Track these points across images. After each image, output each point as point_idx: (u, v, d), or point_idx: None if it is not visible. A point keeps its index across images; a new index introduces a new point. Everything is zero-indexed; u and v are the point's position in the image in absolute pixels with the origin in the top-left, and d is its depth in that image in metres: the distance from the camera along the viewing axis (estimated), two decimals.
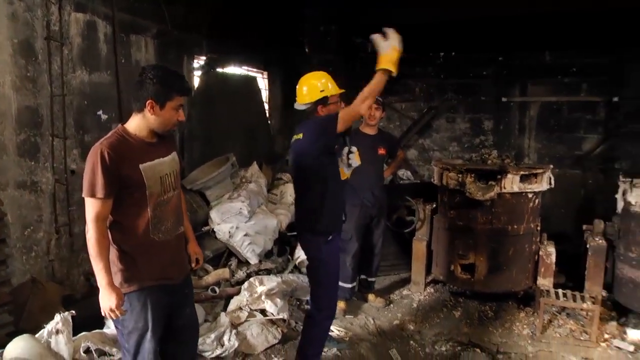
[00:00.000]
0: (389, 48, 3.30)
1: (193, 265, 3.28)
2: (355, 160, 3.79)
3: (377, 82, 3.33)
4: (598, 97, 7.24)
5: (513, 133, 7.65)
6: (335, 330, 4.67)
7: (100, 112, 4.74)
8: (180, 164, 3.07)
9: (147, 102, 2.66)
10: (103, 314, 2.67)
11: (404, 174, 7.34)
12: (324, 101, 3.67)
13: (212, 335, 4.01)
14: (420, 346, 4.65)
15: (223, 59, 6.70)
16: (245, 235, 5.30)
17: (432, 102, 7.90)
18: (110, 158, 2.56)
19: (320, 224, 3.65)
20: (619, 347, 4.48)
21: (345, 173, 3.82)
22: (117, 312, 2.62)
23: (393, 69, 3.28)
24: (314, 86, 3.69)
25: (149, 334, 2.79)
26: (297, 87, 3.80)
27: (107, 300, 2.60)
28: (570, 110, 7.41)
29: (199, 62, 6.40)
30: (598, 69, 7.17)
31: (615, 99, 7.11)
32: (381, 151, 5.08)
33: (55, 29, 4.14)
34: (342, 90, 3.80)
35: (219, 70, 6.69)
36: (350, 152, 3.76)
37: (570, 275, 5.53)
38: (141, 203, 2.72)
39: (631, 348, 4.44)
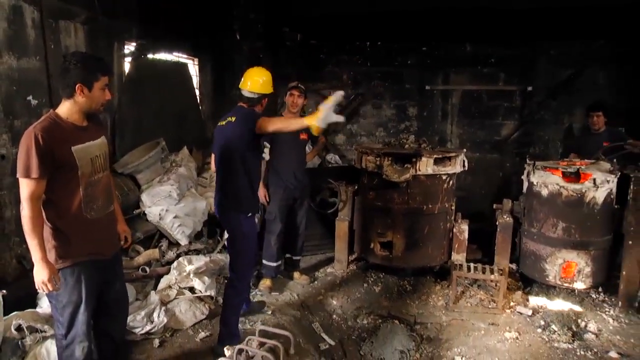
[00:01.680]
0: (324, 111, 3.39)
1: (122, 243, 3.49)
2: (266, 154, 4.35)
3: (295, 124, 3.76)
4: (514, 86, 7.75)
5: (436, 119, 8.06)
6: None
7: (30, 98, 4.73)
8: (109, 147, 3.28)
9: (77, 86, 2.85)
10: (37, 288, 2.83)
11: (332, 158, 7.62)
12: (268, 96, 4.15)
13: (142, 313, 4.17)
14: (343, 320, 4.97)
15: (153, 45, 6.75)
16: (175, 217, 5.45)
17: (359, 89, 8.19)
18: (43, 140, 2.73)
19: (243, 204, 4.03)
20: (520, 313, 4.94)
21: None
22: (50, 286, 2.79)
23: (314, 129, 3.50)
24: (269, 80, 4.12)
25: (82, 307, 2.99)
26: (247, 75, 4.15)
27: (40, 274, 2.77)
28: (489, 98, 7.89)
29: (129, 48, 6.45)
30: (514, 60, 7.67)
31: (530, 88, 7.64)
32: (303, 136, 5.33)
33: None
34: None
35: (150, 56, 6.76)
36: (264, 145, 4.25)
37: (487, 251, 5.92)
38: (73, 183, 2.91)
39: (530, 312, 4.93)
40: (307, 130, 5.31)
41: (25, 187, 2.76)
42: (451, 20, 7.28)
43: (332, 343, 4.57)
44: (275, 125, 3.78)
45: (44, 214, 2.86)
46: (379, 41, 8.03)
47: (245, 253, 4.11)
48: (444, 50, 7.89)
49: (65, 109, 2.93)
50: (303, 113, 5.52)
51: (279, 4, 7.23)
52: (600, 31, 7.00)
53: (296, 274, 5.60)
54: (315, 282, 5.65)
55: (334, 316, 5.00)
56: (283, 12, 7.43)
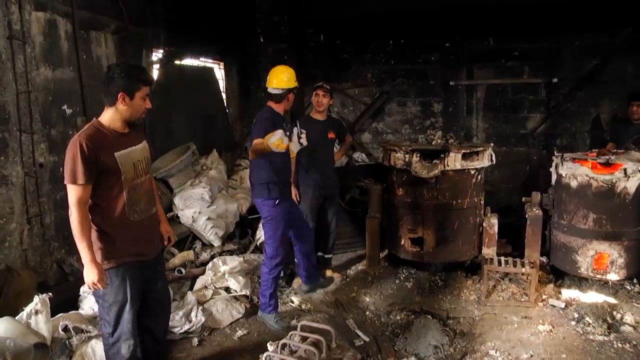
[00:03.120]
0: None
1: (165, 243, 3.63)
2: (304, 140, 4.40)
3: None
4: (539, 78, 7.72)
5: (461, 114, 8.06)
6: (295, 302, 5.02)
7: (64, 107, 4.92)
8: (150, 152, 3.43)
9: (119, 95, 3.00)
10: (88, 288, 3.01)
11: (359, 156, 7.67)
12: (293, 90, 4.50)
13: (180, 313, 4.30)
14: (376, 316, 5.01)
15: (180, 51, 6.91)
16: (208, 219, 5.57)
17: (383, 87, 8.23)
18: (88, 148, 2.89)
19: (270, 191, 4.49)
20: (553, 306, 4.95)
21: (293, 152, 4.54)
22: (99, 285, 2.94)
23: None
24: (292, 75, 4.46)
25: (127, 306, 3.14)
26: (272, 74, 4.52)
27: (90, 275, 2.93)
28: (514, 91, 7.88)
29: (158, 55, 6.60)
30: (538, 52, 7.66)
31: (555, 80, 7.60)
32: (330, 135, 5.42)
33: (17, 28, 4.29)
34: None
35: (177, 62, 6.90)
36: (300, 132, 4.41)
37: (516, 245, 5.93)
38: (117, 187, 3.06)
39: (563, 305, 4.93)
40: (334, 129, 5.47)
41: (73, 192, 2.90)
42: (474, 17, 7.26)
43: (367, 339, 4.61)
44: (251, 155, 4.41)
45: (90, 217, 2.99)
46: (402, 39, 8.07)
47: (268, 235, 4.59)
48: (467, 45, 7.90)
49: (107, 116, 3.09)
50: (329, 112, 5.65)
51: (301, 6, 7.29)
52: (626, 20, 6.92)
53: (328, 272, 5.67)
54: (347, 279, 5.71)
55: (367, 312, 5.05)
56: (305, 14, 7.48)
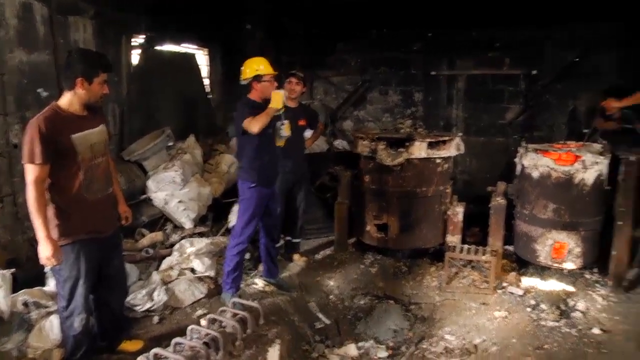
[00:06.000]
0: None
1: (123, 222, 3.83)
2: (284, 131, 4.73)
3: (267, 113, 4.48)
4: (519, 70, 7.79)
5: (442, 104, 8.15)
6: (259, 284, 5.15)
7: (40, 90, 5.01)
8: (109, 134, 3.64)
9: (77, 80, 3.17)
10: (41, 263, 3.15)
11: (340, 143, 7.78)
12: (257, 78, 4.58)
13: (143, 291, 4.45)
14: (339, 300, 5.15)
15: (162, 37, 6.98)
16: (180, 202, 5.70)
17: (365, 76, 8.32)
18: (47, 129, 3.05)
19: (247, 174, 4.66)
20: (512, 293, 5.08)
21: (278, 141, 4.80)
22: (53, 260, 3.10)
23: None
24: (250, 67, 4.59)
25: (81, 281, 3.31)
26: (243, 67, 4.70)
27: (45, 251, 3.09)
28: (494, 82, 7.94)
29: (138, 40, 6.69)
30: (519, 44, 7.70)
31: (534, 72, 7.68)
32: (301, 122, 5.53)
33: None
34: (274, 72, 4.62)
35: (158, 48, 6.99)
36: (281, 124, 4.70)
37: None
38: (74, 167, 3.23)
39: (521, 292, 5.07)
40: (305, 116, 5.59)
41: (31, 171, 3.06)
42: (455, 6, 7.33)
43: (328, 322, 4.75)
44: (257, 124, 4.41)
45: (48, 195, 3.16)
46: (385, 28, 8.13)
47: (239, 215, 4.74)
48: (449, 35, 7.95)
49: (66, 100, 3.25)
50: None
51: None
52: (606, 14, 6.95)
53: (296, 256, 5.80)
54: (314, 263, 5.83)
55: (331, 296, 5.17)
56: (289, 2, 7.56)
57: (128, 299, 4.26)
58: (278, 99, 4.43)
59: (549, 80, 7.66)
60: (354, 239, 6.23)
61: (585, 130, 6.58)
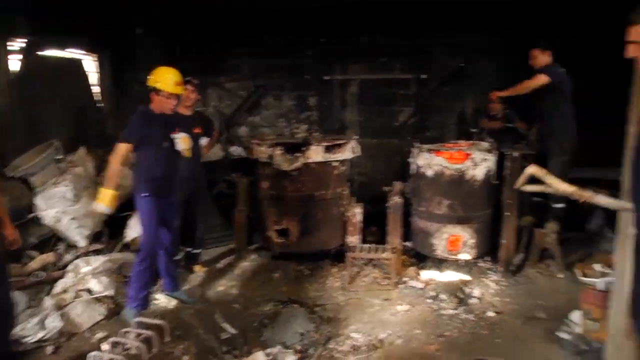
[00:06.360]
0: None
1: (10, 246, 3.56)
2: (180, 143, 4.61)
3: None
4: (409, 74, 8.06)
5: (336, 108, 8.26)
6: (161, 299, 4.97)
7: None
8: None
9: None
10: None
11: (235, 150, 7.68)
12: (155, 90, 4.45)
13: (34, 320, 4.12)
14: (244, 308, 5.05)
15: (45, 41, 6.58)
16: (72, 219, 5.41)
17: (259, 81, 8.26)
18: None
19: (141, 184, 4.51)
20: (413, 287, 5.28)
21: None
22: None
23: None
24: (154, 76, 4.46)
25: None
26: None
27: None
28: (386, 86, 8.15)
29: (18, 44, 6.25)
30: (408, 50, 7.97)
31: (423, 76, 7.98)
32: (196, 130, 5.40)
33: None
34: (174, 91, 4.47)
35: (42, 53, 6.58)
36: (177, 137, 4.60)
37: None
38: None
39: (421, 285, 5.29)
40: (200, 123, 5.47)
41: None
42: (347, 14, 7.48)
43: (234, 331, 4.64)
44: (110, 166, 4.44)
45: None
46: (279, 34, 8.12)
47: (142, 228, 4.58)
48: (340, 42, 8.08)
49: None
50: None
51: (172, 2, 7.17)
52: (486, 23, 7.41)
53: (197, 267, 5.66)
54: (216, 273, 5.72)
55: (235, 305, 5.07)
56: (183, 7, 7.36)
57: (16, 330, 3.92)
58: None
59: (438, 84, 7.98)
60: (255, 245, 6.19)
61: (473, 130, 6.96)
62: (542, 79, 5.62)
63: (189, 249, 5.65)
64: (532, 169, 3.60)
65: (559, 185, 3.44)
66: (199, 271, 5.63)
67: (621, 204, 3.25)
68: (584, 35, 6.97)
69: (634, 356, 3.23)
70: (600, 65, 6.21)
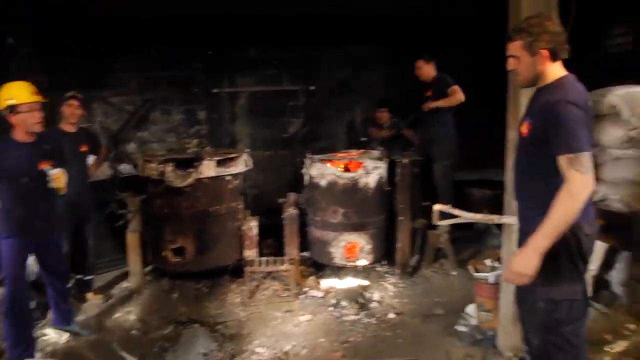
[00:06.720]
0: None
1: None
2: (53, 181, 4.04)
3: None
4: (298, 86, 8.16)
5: (226, 121, 8.17)
6: (51, 334, 4.65)
7: None
8: None
9: None
10: None
11: (124, 168, 7.34)
12: (12, 110, 3.87)
13: None
14: (143, 333, 4.85)
15: None
16: None
17: (147, 95, 7.99)
18: None
19: (1, 224, 4.01)
20: (313, 296, 5.33)
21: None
22: None
23: None
24: (1, 96, 3.88)
25: None
26: None
27: None
28: (275, 98, 8.17)
29: None
30: (296, 62, 8.08)
31: (312, 87, 8.12)
32: (83, 148, 5.16)
33: None
34: (34, 99, 3.95)
35: None
36: (50, 174, 4.05)
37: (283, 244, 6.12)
38: None
39: (321, 294, 5.36)
40: (86, 141, 5.21)
41: None
42: (234, 26, 7.44)
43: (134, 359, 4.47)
44: None
45: None
46: (166, 45, 7.90)
47: (3, 274, 4.06)
48: (228, 54, 8.01)
49: None
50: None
51: (57, 6, 6.72)
52: (372, 36, 7.68)
53: (89, 295, 5.35)
54: (112, 299, 5.46)
55: (134, 331, 4.86)
56: (63, 15, 6.92)
57: None
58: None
59: (327, 95, 8.15)
60: (151, 266, 5.97)
61: (363, 139, 7.18)
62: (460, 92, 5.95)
63: (79, 276, 5.32)
64: (437, 207, 3.89)
65: (468, 215, 3.72)
66: (93, 299, 5.32)
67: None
68: (465, 47, 7.49)
69: (520, 340, 3.49)
70: (481, 74, 6.62)
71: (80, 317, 5.00)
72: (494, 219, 3.70)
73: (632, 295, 4.45)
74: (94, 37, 7.35)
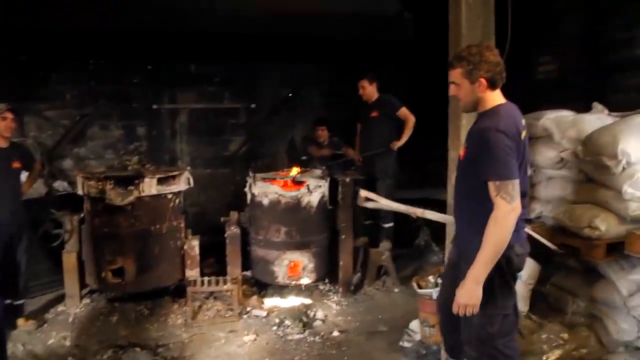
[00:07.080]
0: None
1: None
2: None
3: None
4: (239, 104, 8.17)
5: (166, 138, 8.05)
6: None
7: None
8: None
9: None
10: None
11: (60, 185, 7.09)
12: None
13: None
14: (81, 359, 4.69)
15: None
16: None
17: (84, 110, 7.76)
18: None
19: None
20: (257, 315, 5.30)
21: None
22: None
23: None
24: None
25: None
26: None
27: None
28: (216, 116, 8.15)
29: None
30: (237, 79, 8.11)
31: (253, 105, 8.15)
32: (16, 165, 4.94)
33: None
34: None
35: None
36: None
37: (225, 263, 6.04)
38: None
39: (265, 314, 5.33)
40: (19, 156, 5.02)
41: None
42: (174, 41, 7.36)
43: None
44: None
45: None
46: (105, 58, 7.71)
47: None
48: (169, 69, 7.92)
49: None
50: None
51: None
52: (313, 56, 7.82)
53: (20, 321, 5.05)
54: (45, 325, 5.19)
55: (69, 358, 4.63)
56: None
57: None
58: None
59: (267, 113, 8.19)
60: (89, 288, 5.75)
61: (304, 158, 7.25)
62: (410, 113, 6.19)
63: (9, 301, 5.00)
64: (364, 193, 4.11)
65: (392, 205, 3.99)
66: (24, 326, 5.03)
67: (445, 217, 3.74)
68: (404, 69, 7.73)
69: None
70: (418, 96, 6.82)
71: (8, 347, 4.60)
72: (417, 211, 3.84)
73: (565, 306, 4.67)
74: (29, 48, 7.12)
